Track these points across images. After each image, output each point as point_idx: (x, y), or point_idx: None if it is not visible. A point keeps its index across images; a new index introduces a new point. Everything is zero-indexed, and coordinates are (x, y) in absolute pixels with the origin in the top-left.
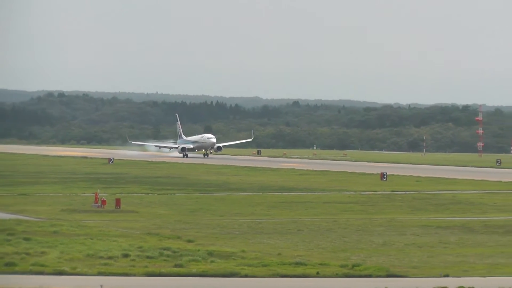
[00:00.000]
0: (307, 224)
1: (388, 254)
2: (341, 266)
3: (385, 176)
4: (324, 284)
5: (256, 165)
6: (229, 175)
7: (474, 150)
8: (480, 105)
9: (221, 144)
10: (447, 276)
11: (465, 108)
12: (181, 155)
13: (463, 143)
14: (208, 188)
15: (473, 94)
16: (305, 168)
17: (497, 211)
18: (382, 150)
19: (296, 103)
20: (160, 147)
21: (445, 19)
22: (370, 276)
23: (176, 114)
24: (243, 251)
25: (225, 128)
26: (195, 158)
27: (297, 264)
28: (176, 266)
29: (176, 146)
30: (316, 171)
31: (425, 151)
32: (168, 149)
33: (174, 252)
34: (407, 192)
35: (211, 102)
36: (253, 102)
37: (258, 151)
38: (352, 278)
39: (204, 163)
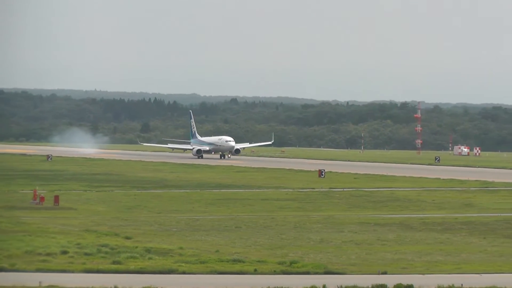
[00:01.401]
0: (244, 221)
1: (326, 251)
2: (279, 263)
3: (323, 173)
4: (262, 281)
5: (193, 162)
6: (167, 172)
7: (413, 147)
8: (419, 102)
9: (239, 146)
10: (385, 273)
11: (404, 105)
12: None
13: (401, 140)
14: (145, 185)
15: (412, 91)
16: (243, 165)
17: (435, 208)
18: (320, 147)
19: (234, 100)
20: (173, 148)
21: (392, 18)
22: (307, 273)
23: (190, 111)
24: (180, 248)
25: (162, 125)
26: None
27: (235, 261)
28: (114, 263)
29: (191, 147)
30: (253, 168)
31: (363, 148)
32: (183, 151)
33: (112, 249)
34: (345, 189)
35: (149, 99)
36: (191, 99)
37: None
38: (290, 275)
39: (142, 160)
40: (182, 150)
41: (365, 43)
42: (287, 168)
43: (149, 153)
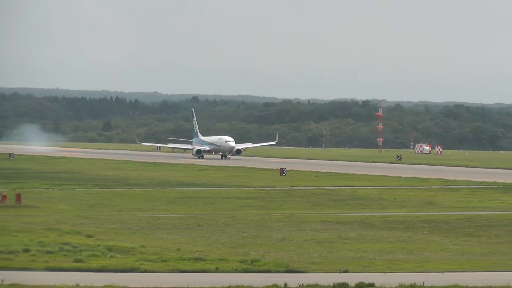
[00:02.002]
0: (206, 220)
1: (287, 250)
2: (240, 262)
3: (284, 171)
4: (223, 279)
5: (155, 161)
6: (128, 171)
7: (374, 145)
8: (380, 101)
9: (241, 147)
10: (346, 271)
11: (365, 103)
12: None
13: (363, 138)
14: (107, 184)
15: (373, 90)
16: (205, 164)
17: (397, 206)
18: (281, 146)
19: (195, 98)
20: (173, 148)
21: (377, 17)
22: (269, 271)
23: (193, 109)
24: (142, 246)
25: (124, 124)
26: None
27: (196, 259)
28: (76, 261)
29: (191, 147)
30: (215, 166)
31: (325, 146)
32: (182, 151)
33: (74, 247)
34: (306, 188)
35: (111, 98)
36: (153, 98)
37: (157, 146)
38: (251, 273)
39: (104, 158)
40: (182, 150)
41: (327, 42)
42: (249, 166)
43: (110, 151)
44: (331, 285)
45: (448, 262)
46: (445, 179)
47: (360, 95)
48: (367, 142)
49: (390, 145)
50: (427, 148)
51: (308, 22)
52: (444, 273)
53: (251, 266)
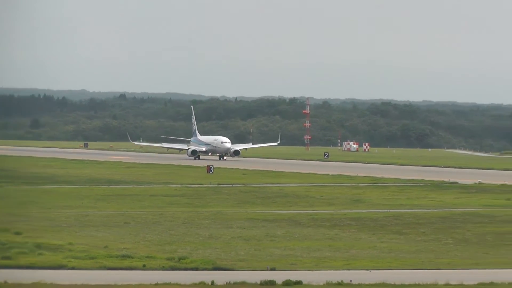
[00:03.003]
0: (134, 217)
1: (215, 247)
2: (168, 259)
3: (211, 169)
4: (151, 277)
5: (83, 158)
6: (57, 168)
7: (302, 143)
8: (308, 98)
9: (239, 147)
10: (274, 269)
11: (292, 101)
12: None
13: (290, 136)
14: (36, 181)
15: (301, 87)
16: (132, 161)
17: (324, 204)
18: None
19: (122, 96)
20: (168, 148)
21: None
22: (196, 269)
23: (191, 106)
24: (70, 243)
25: (52, 121)
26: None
27: (124, 256)
28: (4, 258)
29: (187, 148)
30: (142, 164)
31: (252, 144)
32: (178, 151)
33: (3, 244)
34: (233, 185)
35: (39, 95)
36: (81, 95)
37: (85, 144)
38: (179, 271)
39: (32, 156)
40: (178, 151)
41: (252, 36)
42: (176, 164)
43: (39, 148)
44: (259, 282)
45: (376, 260)
46: (373, 177)
47: (288, 93)
48: (295, 140)
49: (317, 142)
50: (355, 145)
51: (233, 17)
52: (371, 270)
53: (179, 264)
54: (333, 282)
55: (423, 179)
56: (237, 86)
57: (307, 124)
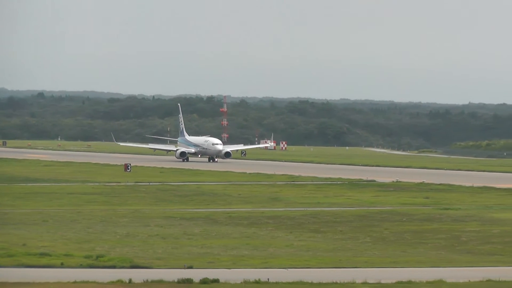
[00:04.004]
0: (52, 215)
1: (132, 245)
2: (85, 257)
3: (129, 167)
4: (68, 274)
5: (1, 156)
6: None
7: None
8: (225, 96)
9: (230, 149)
10: (191, 267)
11: (210, 99)
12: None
13: (208, 134)
14: None
15: (218, 85)
16: (50, 159)
17: (241, 202)
18: (126, 142)
19: (41, 94)
20: (155, 149)
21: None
22: (114, 267)
23: (179, 104)
24: None
25: None
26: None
27: (42, 254)
28: None
29: (175, 149)
30: (60, 162)
31: (169, 142)
32: (165, 152)
33: None
34: (151, 183)
35: None
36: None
37: (3, 142)
38: (96, 269)
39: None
40: (165, 152)
41: (169, 33)
42: (93, 162)
43: None
44: (176, 281)
45: (293, 258)
46: (290, 175)
47: (205, 91)
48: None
49: (235, 140)
50: (272, 143)
51: (156, 14)
52: (289, 269)
53: (96, 262)
54: (251, 280)
55: (340, 178)
56: (155, 85)
57: (225, 122)
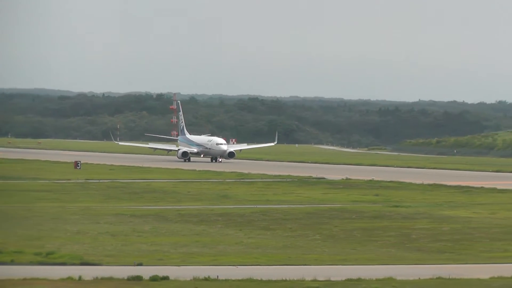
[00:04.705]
0: (1, 212)
1: (83, 243)
2: (36, 254)
3: (79, 164)
4: (19, 271)
5: None
6: None
7: (169, 139)
8: (175, 94)
9: (234, 149)
10: (141, 264)
11: (159, 96)
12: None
13: (157, 131)
14: None
15: (168, 83)
16: (0, 157)
17: (191, 200)
18: (76, 139)
19: None
20: (155, 149)
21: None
22: (64, 264)
23: (178, 101)
24: None
25: None
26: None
27: None
28: None
29: (176, 149)
30: (11, 159)
31: (119, 139)
32: (166, 152)
33: None
34: (101, 181)
35: None
36: None
37: None
38: (47, 266)
39: None
40: (166, 151)
41: (117, 31)
42: (43, 159)
43: None
44: (126, 278)
45: (243, 256)
46: (240, 172)
47: (155, 88)
48: (162, 135)
49: None
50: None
51: (99, 13)
52: (238, 266)
53: (47, 259)
54: (200, 277)
55: (290, 175)
56: (105, 82)
57: (174, 120)
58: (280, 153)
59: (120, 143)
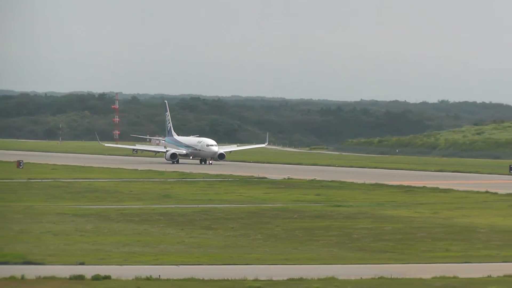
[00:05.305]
0: None
1: (26, 242)
2: None
3: (21, 164)
4: None
5: None
6: None
7: (111, 138)
8: (117, 93)
9: (224, 150)
10: (83, 264)
11: (102, 96)
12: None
13: (100, 131)
14: None
15: (110, 82)
16: None
17: (133, 199)
18: (18, 138)
19: None
20: (140, 150)
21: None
22: (7, 263)
23: (165, 101)
24: None
25: None
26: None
27: None
28: None
29: (164, 150)
30: None
31: (61, 139)
32: (154, 154)
33: None
34: (43, 180)
35: None
36: None
37: None
38: None
39: None
40: (154, 153)
41: (57, 30)
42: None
43: None
44: (68, 277)
45: (185, 255)
46: (181, 172)
47: (97, 88)
48: (105, 135)
49: (127, 137)
50: (164, 140)
51: (39, 12)
52: (180, 266)
53: None
54: (142, 277)
55: (231, 174)
56: (47, 82)
57: (116, 119)
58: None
59: (106, 144)
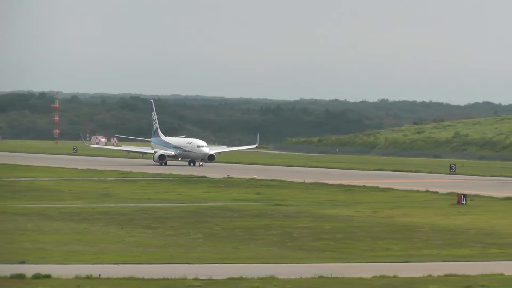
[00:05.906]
0: None
1: None
2: None
3: None
4: None
5: None
6: None
7: (51, 137)
8: (57, 92)
9: (214, 151)
10: (23, 262)
11: (42, 95)
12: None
13: (40, 130)
14: None
15: (50, 81)
16: None
17: (73, 198)
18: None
19: None
20: (128, 151)
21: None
22: None
23: (151, 100)
24: None
25: None
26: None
27: None
28: None
29: (152, 151)
30: None
31: (2, 138)
32: (141, 155)
33: None
34: None
35: None
36: None
37: None
38: None
39: None
40: (141, 155)
41: (6, 30)
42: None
43: None
44: (9, 276)
45: (124, 254)
46: (121, 171)
47: (37, 87)
48: (45, 134)
49: (67, 136)
50: (103, 139)
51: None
52: (120, 264)
53: None
54: (82, 275)
55: (171, 173)
56: None
57: (56, 118)
58: None
59: (92, 145)
